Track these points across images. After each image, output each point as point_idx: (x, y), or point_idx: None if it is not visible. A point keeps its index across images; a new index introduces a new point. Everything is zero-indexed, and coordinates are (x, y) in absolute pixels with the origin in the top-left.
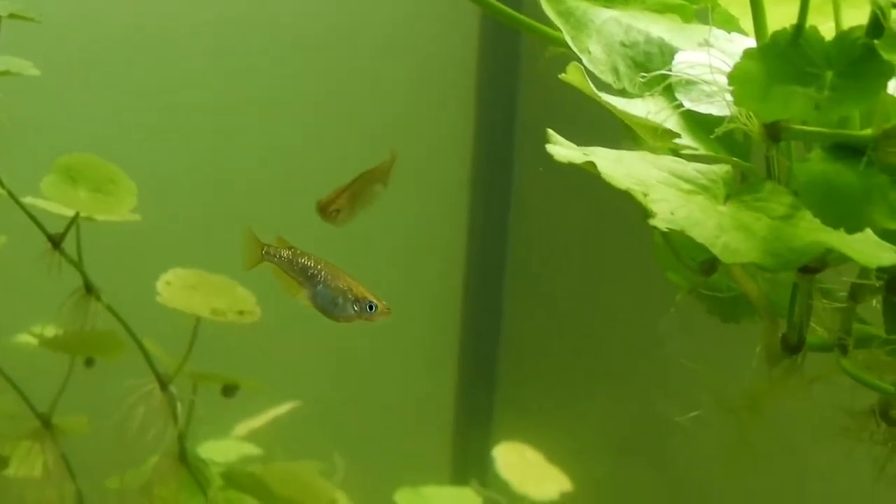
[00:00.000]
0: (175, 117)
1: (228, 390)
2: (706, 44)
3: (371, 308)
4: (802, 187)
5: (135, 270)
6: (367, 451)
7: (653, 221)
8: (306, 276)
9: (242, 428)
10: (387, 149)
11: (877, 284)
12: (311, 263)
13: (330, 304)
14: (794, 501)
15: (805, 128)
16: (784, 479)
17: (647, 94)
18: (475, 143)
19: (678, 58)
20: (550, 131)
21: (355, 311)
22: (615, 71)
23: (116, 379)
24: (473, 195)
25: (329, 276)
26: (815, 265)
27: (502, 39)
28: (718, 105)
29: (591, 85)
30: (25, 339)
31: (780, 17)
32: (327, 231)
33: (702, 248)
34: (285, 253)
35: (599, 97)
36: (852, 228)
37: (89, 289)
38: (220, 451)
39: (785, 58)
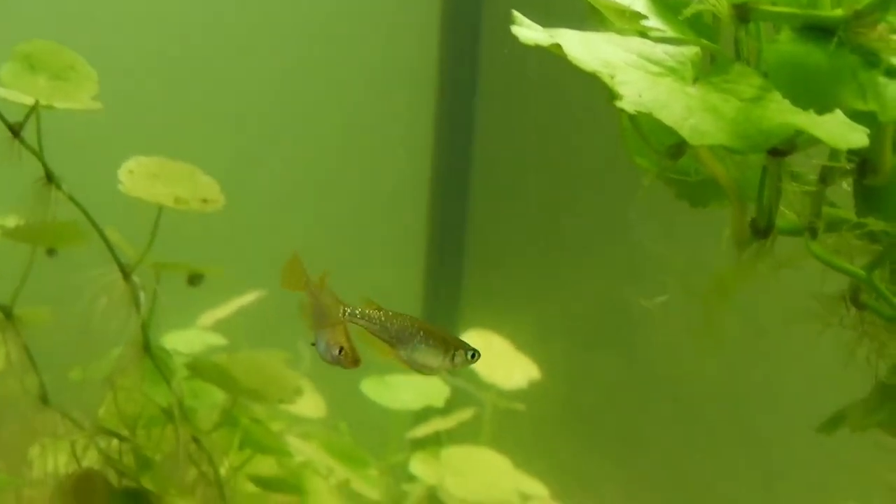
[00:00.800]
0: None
1: (194, 279)
2: None
3: (473, 356)
4: (772, 68)
5: (96, 159)
6: None
7: (620, 104)
8: (399, 337)
9: (207, 318)
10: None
11: (847, 167)
12: (405, 324)
13: (432, 360)
14: (761, 386)
15: (774, 8)
16: (752, 365)
17: None
18: (441, 29)
19: None
20: (515, 13)
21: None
22: None
23: (78, 269)
24: (440, 84)
25: (423, 333)
26: (784, 148)
27: None
28: None
29: None
30: None
31: None
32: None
33: (669, 130)
34: (374, 314)
35: None
36: (822, 109)
37: (50, 178)
38: (185, 341)
39: None
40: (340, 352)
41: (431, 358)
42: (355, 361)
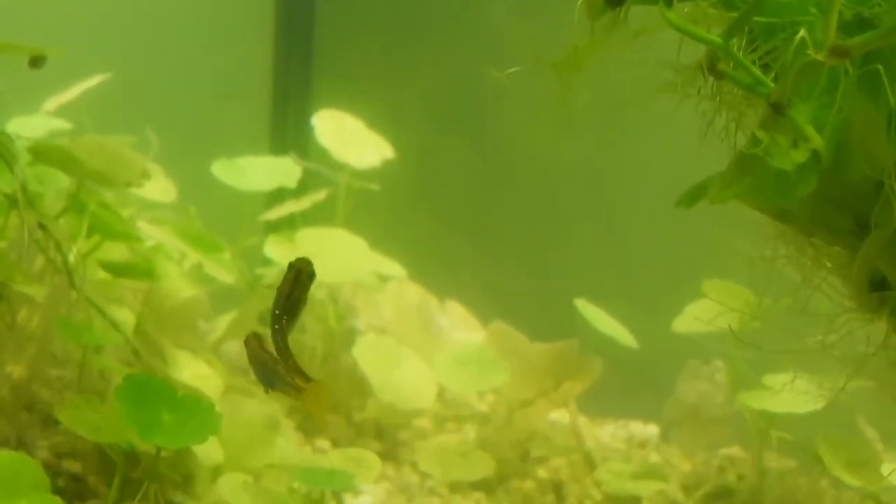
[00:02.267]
0: None
1: (35, 61)
2: None
3: None
4: None
5: None
6: (183, 125)
7: None
8: None
9: (51, 103)
10: None
11: None
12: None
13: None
14: (618, 161)
15: None
16: (606, 139)
17: None
18: None
19: None
20: None
21: None
22: None
23: None
24: None
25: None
26: None
27: None
28: None
29: None
30: None
31: None
32: None
33: None
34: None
35: None
36: None
37: None
38: (28, 126)
39: None
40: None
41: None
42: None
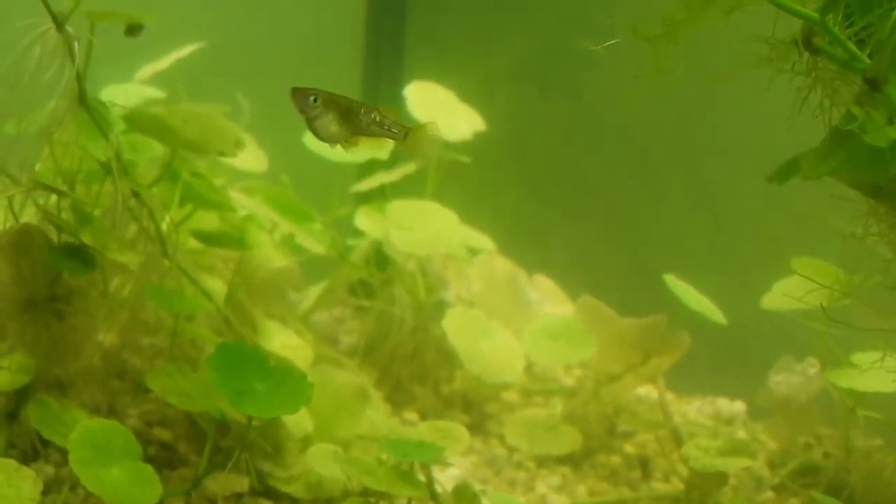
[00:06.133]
0: None
1: (132, 29)
2: None
3: None
4: None
5: None
6: (274, 93)
7: None
8: None
9: (145, 71)
10: None
11: None
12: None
13: None
14: (710, 134)
15: None
16: (700, 111)
17: None
18: None
19: None
20: None
21: None
22: None
23: (8, 20)
24: None
25: None
26: None
27: None
28: None
29: None
30: None
31: None
32: None
33: None
34: None
35: None
36: None
37: None
38: (122, 94)
39: None
40: None
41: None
42: None
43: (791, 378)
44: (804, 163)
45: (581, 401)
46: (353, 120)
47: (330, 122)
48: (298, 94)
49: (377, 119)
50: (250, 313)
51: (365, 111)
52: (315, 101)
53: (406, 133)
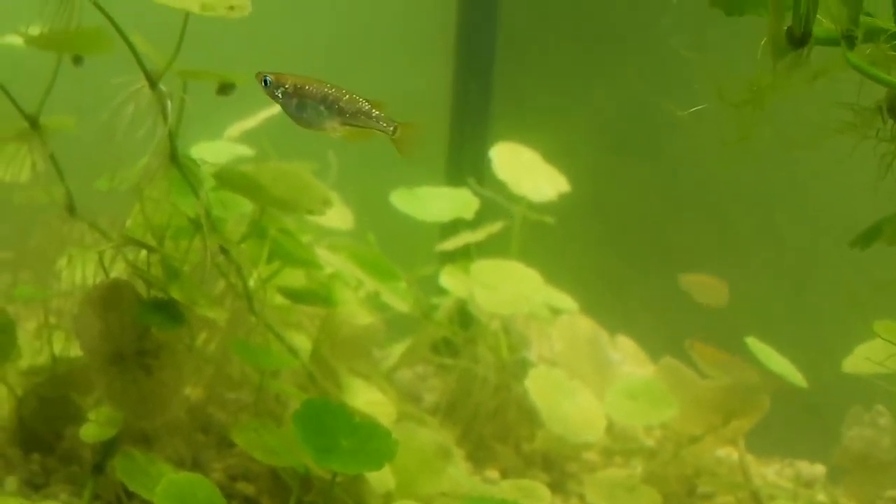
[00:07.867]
0: None
1: (224, 88)
2: None
3: None
4: None
5: None
6: (361, 151)
7: None
8: None
9: (235, 129)
10: None
11: None
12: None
13: None
14: (794, 198)
15: None
16: (784, 176)
17: None
18: None
19: None
20: None
21: None
22: None
23: (104, 77)
24: None
25: None
26: None
27: None
28: None
29: None
30: (10, 39)
31: None
32: None
33: None
34: None
35: None
36: None
37: None
38: (212, 151)
39: None
40: None
41: None
42: None
43: (864, 432)
44: (887, 228)
45: (661, 462)
46: (332, 108)
47: (300, 109)
48: (258, 77)
49: (365, 109)
50: (335, 370)
51: (350, 100)
52: (271, 84)
53: (396, 128)
